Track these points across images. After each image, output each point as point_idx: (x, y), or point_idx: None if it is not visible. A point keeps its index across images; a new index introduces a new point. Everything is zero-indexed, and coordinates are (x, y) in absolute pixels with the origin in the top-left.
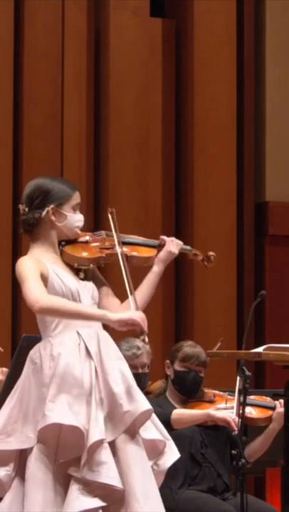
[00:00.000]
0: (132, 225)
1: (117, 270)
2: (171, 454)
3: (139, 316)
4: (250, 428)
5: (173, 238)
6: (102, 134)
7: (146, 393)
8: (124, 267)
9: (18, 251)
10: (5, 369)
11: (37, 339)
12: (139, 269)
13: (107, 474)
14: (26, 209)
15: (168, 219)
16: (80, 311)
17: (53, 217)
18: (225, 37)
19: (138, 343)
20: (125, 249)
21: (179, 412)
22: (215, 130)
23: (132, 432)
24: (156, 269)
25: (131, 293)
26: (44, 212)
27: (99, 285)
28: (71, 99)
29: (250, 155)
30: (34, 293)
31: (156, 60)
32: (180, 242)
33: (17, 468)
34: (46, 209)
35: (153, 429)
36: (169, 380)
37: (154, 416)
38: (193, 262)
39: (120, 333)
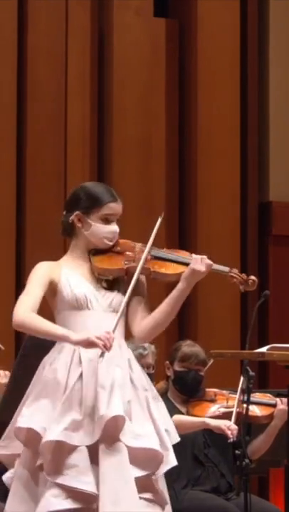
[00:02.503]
0: (136, 226)
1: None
2: (166, 463)
3: (99, 336)
4: (252, 426)
5: (203, 256)
6: (105, 134)
7: None
8: (134, 284)
9: (21, 250)
10: (7, 372)
11: (40, 340)
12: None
13: (77, 478)
14: (64, 212)
15: (172, 219)
16: (49, 331)
17: (79, 224)
18: (228, 37)
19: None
20: (155, 263)
21: (177, 419)
22: (218, 130)
23: (112, 438)
24: (180, 286)
25: (120, 313)
26: (70, 218)
27: (134, 294)
28: (74, 99)
29: (253, 155)
30: (18, 306)
31: (160, 59)
32: (209, 262)
33: None
34: (73, 214)
35: (149, 438)
36: (170, 381)
37: (159, 423)
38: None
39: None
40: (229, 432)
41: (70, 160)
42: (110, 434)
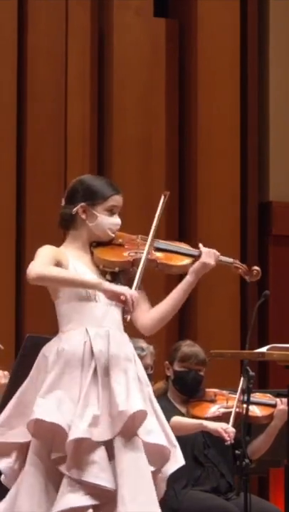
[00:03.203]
0: (136, 225)
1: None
2: (175, 461)
3: (131, 295)
4: (252, 426)
5: (211, 249)
6: (105, 134)
7: None
8: (141, 273)
9: (21, 250)
10: (6, 372)
11: (41, 339)
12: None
13: (97, 474)
14: (64, 203)
15: (172, 219)
16: (75, 278)
17: (83, 216)
18: (228, 37)
19: (142, 344)
20: (159, 254)
21: (176, 421)
22: (218, 130)
23: (130, 433)
24: (189, 279)
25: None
26: (75, 209)
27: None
28: (74, 99)
29: (253, 155)
30: (32, 264)
31: (160, 60)
32: (217, 253)
33: (21, 461)
34: (78, 206)
35: (159, 434)
36: (170, 381)
37: (164, 420)
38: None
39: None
40: (226, 435)
41: (70, 160)
42: (128, 429)
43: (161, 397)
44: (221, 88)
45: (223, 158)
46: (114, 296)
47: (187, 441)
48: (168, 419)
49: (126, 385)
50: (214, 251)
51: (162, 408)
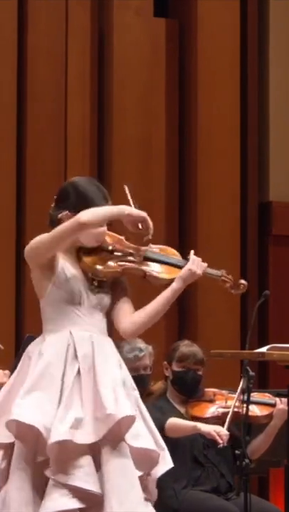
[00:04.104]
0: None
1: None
2: (164, 464)
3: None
4: (252, 426)
5: (199, 259)
6: (105, 134)
7: (149, 394)
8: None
9: (21, 250)
10: (7, 371)
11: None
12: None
13: (83, 478)
14: (53, 205)
15: (172, 219)
16: (105, 210)
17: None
18: (228, 37)
19: (140, 344)
20: (148, 268)
21: (172, 423)
22: (218, 130)
23: (117, 438)
24: (174, 285)
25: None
26: (60, 215)
27: (118, 293)
28: (74, 99)
29: (253, 155)
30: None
31: (160, 60)
32: (204, 264)
33: (8, 461)
34: (63, 213)
35: (147, 438)
36: (169, 381)
37: (151, 424)
38: None
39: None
40: (219, 438)
41: (70, 160)
42: (115, 433)
43: (160, 397)
44: (221, 88)
45: (223, 158)
46: (132, 220)
47: (187, 441)
48: (163, 421)
49: (113, 389)
50: (200, 261)
51: (161, 408)
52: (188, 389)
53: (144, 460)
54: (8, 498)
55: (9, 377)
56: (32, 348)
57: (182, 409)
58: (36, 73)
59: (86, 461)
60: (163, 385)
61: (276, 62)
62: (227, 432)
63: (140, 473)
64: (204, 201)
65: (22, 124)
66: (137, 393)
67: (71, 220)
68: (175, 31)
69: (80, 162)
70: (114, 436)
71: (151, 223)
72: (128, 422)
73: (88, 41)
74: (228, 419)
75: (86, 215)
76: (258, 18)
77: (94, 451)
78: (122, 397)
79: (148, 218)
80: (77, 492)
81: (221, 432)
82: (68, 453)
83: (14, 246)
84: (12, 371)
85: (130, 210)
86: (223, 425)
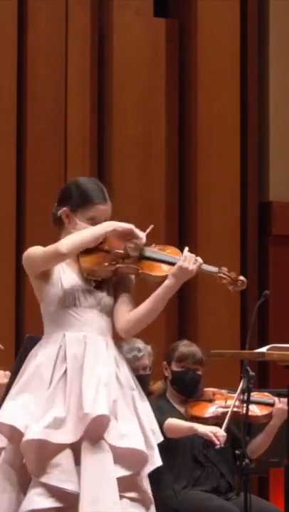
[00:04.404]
0: (135, 225)
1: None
2: (151, 463)
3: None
4: (252, 425)
5: (192, 255)
6: (105, 134)
7: (148, 394)
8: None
9: (21, 250)
10: (8, 372)
11: (40, 339)
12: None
13: (60, 477)
14: (55, 204)
15: (171, 219)
16: (90, 233)
17: (66, 220)
18: (228, 37)
19: (139, 344)
20: (141, 266)
21: (171, 423)
22: (218, 130)
23: (96, 437)
24: (167, 283)
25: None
26: (59, 212)
27: (120, 292)
28: (74, 99)
29: (253, 155)
30: (51, 245)
31: (160, 60)
32: (200, 260)
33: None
34: (61, 209)
35: (135, 438)
36: (168, 381)
37: (145, 423)
38: None
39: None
40: (216, 439)
41: (70, 160)
42: (94, 432)
43: (159, 397)
44: (221, 88)
45: (223, 158)
46: (129, 232)
47: (187, 441)
48: (161, 422)
49: (96, 389)
50: (197, 258)
51: (161, 408)
52: (188, 389)
53: (132, 460)
54: None
55: (9, 378)
56: (32, 351)
57: (182, 409)
58: (36, 73)
59: (65, 460)
60: (162, 385)
61: (276, 62)
62: (224, 433)
63: (128, 473)
64: (204, 201)
65: (22, 124)
66: (135, 393)
67: (52, 247)
68: (175, 31)
69: (80, 162)
70: (93, 435)
71: (140, 233)
72: (103, 421)
73: (88, 41)
74: (226, 419)
75: (66, 244)
76: (258, 18)
77: (76, 450)
78: (101, 396)
79: (135, 230)
80: (54, 491)
81: (217, 433)
82: (47, 452)
83: (14, 246)
84: (12, 371)
85: (115, 225)
86: (222, 425)
